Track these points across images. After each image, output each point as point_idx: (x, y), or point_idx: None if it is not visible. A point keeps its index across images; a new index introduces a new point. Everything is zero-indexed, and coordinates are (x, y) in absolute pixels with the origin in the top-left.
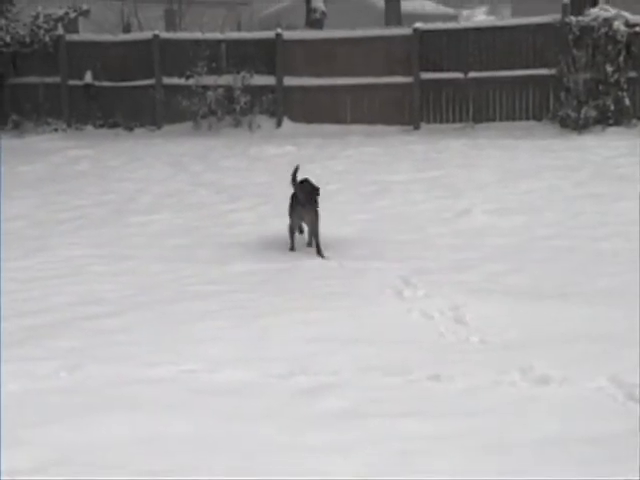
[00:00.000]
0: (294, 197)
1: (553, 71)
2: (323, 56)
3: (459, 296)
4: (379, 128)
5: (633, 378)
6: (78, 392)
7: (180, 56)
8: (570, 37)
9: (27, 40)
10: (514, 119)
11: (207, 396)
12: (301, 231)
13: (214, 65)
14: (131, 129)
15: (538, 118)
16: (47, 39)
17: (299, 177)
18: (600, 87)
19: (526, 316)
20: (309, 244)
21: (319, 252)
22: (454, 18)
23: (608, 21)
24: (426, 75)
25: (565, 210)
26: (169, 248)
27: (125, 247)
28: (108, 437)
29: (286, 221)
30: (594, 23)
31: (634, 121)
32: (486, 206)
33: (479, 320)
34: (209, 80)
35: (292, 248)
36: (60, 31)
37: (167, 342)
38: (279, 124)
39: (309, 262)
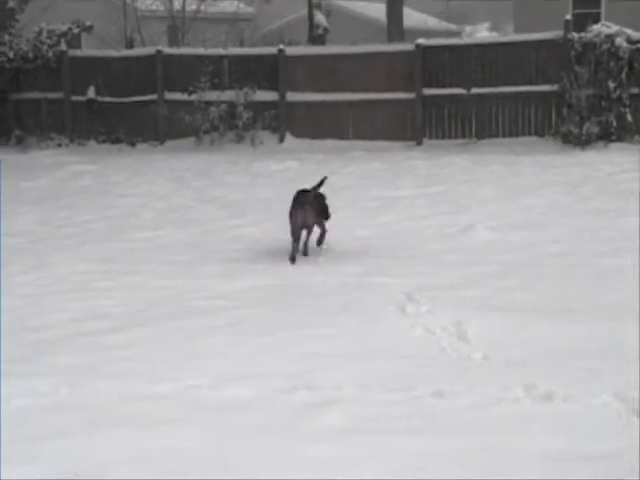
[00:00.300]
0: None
1: (555, 87)
2: (325, 72)
3: (462, 312)
4: (381, 144)
5: (638, 394)
6: (81, 408)
7: (183, 72)
8: (572, 53)
9: (30, 55)
10: (517, 135)
11: (211, 412)
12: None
13: (217, 81)
14: (134, 144)
15: (541, 134)
16: (50, 54)
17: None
18: (602, 103)
19: (530, 332)
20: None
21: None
22: (457, 34)
23: (610, 37)
24: (428, 91)
25: (569, 226)
26: (173, 263)
27: (129, 262)
28: (112, 454)
29: (288, 237)
30: (596, 39)
31: (636, 137)
32: (490, 222)
33: (482, 336)
34: (212, 96)
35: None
36: (63, 47)
37: (171, 358)
38: (282, 140)
39: (313, 278)
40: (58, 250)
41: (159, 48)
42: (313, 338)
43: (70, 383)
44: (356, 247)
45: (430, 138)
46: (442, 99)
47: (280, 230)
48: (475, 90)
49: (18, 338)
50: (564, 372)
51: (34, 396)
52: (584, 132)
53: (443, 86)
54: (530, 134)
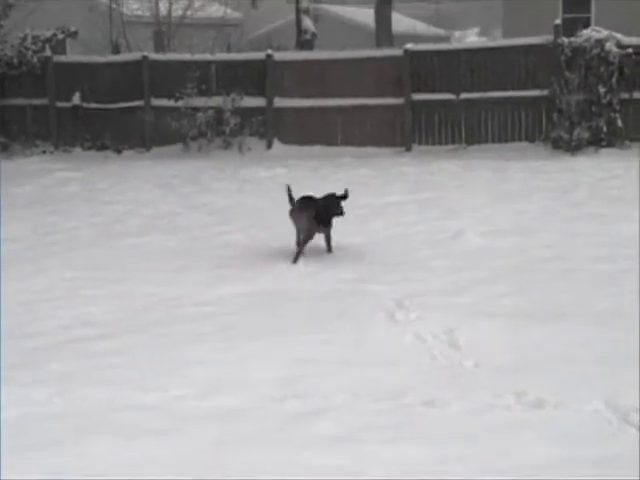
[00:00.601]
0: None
1: (545, 92)
2: (314, 77)
3: (453, 319)
4: (370, 150)
5: (629, 401)
6: (70, 416)
7: (169, 77)
8: (562, 58)
9: (15, 62)
10: (506, 140)
11: (200, 421)
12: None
13: (204, 87)
14: (120, 151)
15: (531, 139)
16: (35, 60)
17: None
18: (593, 108)
19: (521, 339)
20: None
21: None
22: (446, 39)
23: (600, 42)
24: (418, 96)
25: (561, 231)
26: (160, 270)
27: (116, 269)
28: (100, 462)
29: (277, 243)
30: (586, 44)
31: (627, 142)
32: (480, 227)
33: (473, 343)
34: (199, 102)
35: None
36: (48, 52)
37: (159, 365)
38: (269, 146)
39: (303, 284)
40: (46, 257)
41: (145, 54)
42: (303, 345)
43: (60, 391)
44: (346, 254)
45: (419, 144)
46: (431, 104)
47: (269, 237)
48: (464, 95)
49: (7, 346)
50: (555, 378)
51: (25, 403)
52: (574, 137)
53: (432, 91)
54: (520, 139)
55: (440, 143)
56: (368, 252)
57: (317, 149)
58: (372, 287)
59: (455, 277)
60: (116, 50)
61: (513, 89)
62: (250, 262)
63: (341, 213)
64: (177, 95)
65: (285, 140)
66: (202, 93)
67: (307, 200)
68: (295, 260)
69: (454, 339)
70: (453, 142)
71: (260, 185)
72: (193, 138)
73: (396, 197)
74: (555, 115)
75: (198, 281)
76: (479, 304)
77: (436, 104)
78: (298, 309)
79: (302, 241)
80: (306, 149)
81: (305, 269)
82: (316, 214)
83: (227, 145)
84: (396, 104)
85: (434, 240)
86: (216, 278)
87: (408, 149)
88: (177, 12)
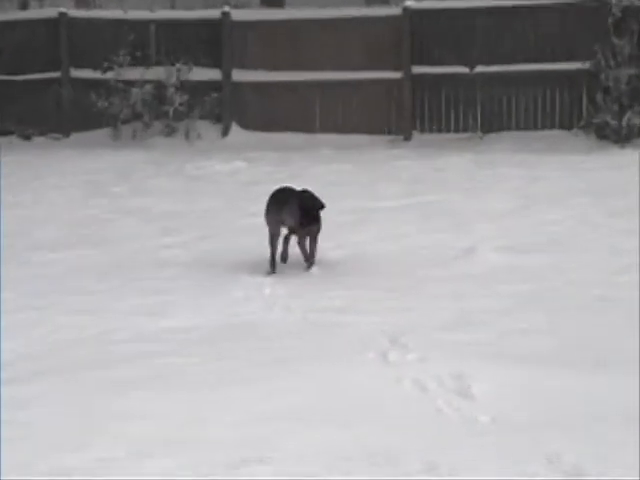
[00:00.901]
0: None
1: (587, 65)
2: (285, 43)
3: (463, 361)
4: (358, 138)
5: None
6: None
7: (95, 41)
8: (610, 20)
9: None
10: (535, 128)
11: None
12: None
13: (140, 54)
14: (28, 137)
15: (567, 127)
16: None
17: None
18: None
19: (551, 388)
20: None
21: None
22: None
23: None
24: (420, 69)
25: (604, 248)
26: (83, 294)
27: (24, 294)
28: None
29: (236, 260)
30: None
31: None
32: (499, 242)
33: (489, 392)
34: (133, 74)
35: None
36: None
37: (81, 419)
38: (226, 132)
39: (267, 315)
40: None
41: (63, 10)
42: (268, 394)
43: None
44: (324, 274)
45: (422, 131)
46: (438, 80)
47: (225, 251)
48: (481, 68)
49: None
50: (595, 441)
51: None
52: (624, 124)
53: (439, 63)
54: (553, 127)
55: (449, 130)
56: (352, 272)
57: (289, 137)
58: (358, 318)
59: (465, 306)
60: (24, 5)
61: (545, 61)
62: (201, 285)
63: (322, 206)
64: (105, 65)
65: (247, 125)
66: (138, 62)
67: (291, 194)
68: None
69: (464, 387)
70: (466, 129)
71: (214, 183)
72: (126, 121)
73: (390, 201)
74: (599, 95)
75: (132, 309)
76: (496, 342)
77: (444, 80)
78: (261, 347)
79: (312, 251)
80: (274, 137)
81: (271, 294)
82: (303, 207)
83: (171, 131)
84: (392, 79)
85: (439, 258)
86: (156, 306)
87: (407, 138)
88: None
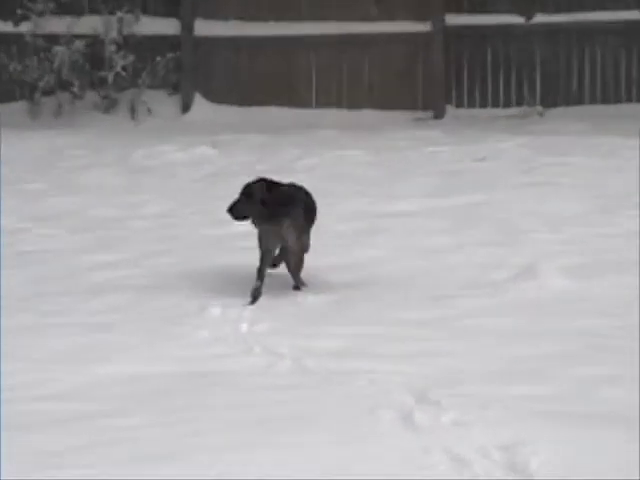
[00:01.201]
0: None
1: None
2: None
3: (515, 424)
4: (369, 115)
5: None
6: None
7: None
8: None
9: None
10: (615, 101)
11: None
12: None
13: None
14: None
15: None
16: None
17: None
18: None
19: (633, 458)
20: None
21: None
22: None
23: None
24: (456, 19)
25: None
26: None
27: None
28: None
29: (198, 280)
30: None
31: None
32: (566, 260)
33: (551, 466)
34: (58, 25)
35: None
36: None
37: None
38: (187, 107)
39: (246, 359)
40: None
41: None
42: (247, 470)
43: None
44: (322, 302)
45: (458, 106)
46: (481, 34)
47: (185, 272)
48: (541, 18)
49: None
50: None
51: None
52: None
53: (482, 11)
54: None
55: (495, 105)
56: (362, 301)
57: (273, 113)
58: (370, 365)
59: (518, 349)
60: None
61: (628, 8)
62: (153, 318)
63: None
64: (19, 13)
65: (215, 97)
66: (65, 10)
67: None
68: (298, 286)
69: (518, 460)
70: (520, 103)
71: (170, 178)
72: (48, 92)
73: (414, 203)
74: None
75: (57, 354)
76: (562, 398)
77: (490, 34)
78: (237, 406)
79: (295, 266)
80: (253, 112)
81: (250, 331)
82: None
83: (110, 105)
84: (417, 33)
85: (482, 280)
86: (88, 348)
87: (438, 115)
88: None
